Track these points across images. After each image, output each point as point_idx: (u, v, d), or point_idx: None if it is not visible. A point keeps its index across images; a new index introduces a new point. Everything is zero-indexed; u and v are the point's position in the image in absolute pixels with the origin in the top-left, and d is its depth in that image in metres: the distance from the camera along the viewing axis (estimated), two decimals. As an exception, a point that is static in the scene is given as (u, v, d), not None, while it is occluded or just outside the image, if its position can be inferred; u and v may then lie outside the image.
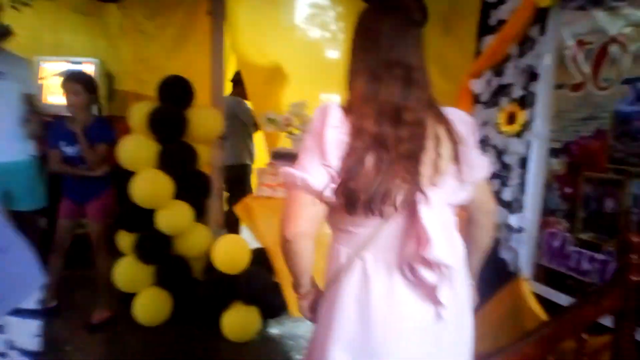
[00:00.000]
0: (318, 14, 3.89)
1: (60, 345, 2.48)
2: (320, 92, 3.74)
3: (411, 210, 1.06)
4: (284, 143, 3.32)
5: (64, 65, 4.02)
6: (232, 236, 2.75)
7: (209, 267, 2.68)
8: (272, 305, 2.66)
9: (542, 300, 2.03)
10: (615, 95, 1.72)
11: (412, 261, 1.05)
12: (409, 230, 1.07)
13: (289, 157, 3.03)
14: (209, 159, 2.94)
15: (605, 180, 1.76)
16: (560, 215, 1.96)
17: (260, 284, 2.58)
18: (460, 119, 1.17)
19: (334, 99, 3.73)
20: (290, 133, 3.15)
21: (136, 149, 2.65)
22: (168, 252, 2.73)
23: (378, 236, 1.09)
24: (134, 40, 4.55)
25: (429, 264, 1.04)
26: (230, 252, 2.60)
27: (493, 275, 2.17)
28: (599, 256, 1.77)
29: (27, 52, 4.19)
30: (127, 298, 2.71)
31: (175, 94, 2.72)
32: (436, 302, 1.07)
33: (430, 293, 1.07)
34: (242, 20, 3.69)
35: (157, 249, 2.67)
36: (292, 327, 2.79)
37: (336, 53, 3.87)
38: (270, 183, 2.71)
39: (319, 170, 1.03)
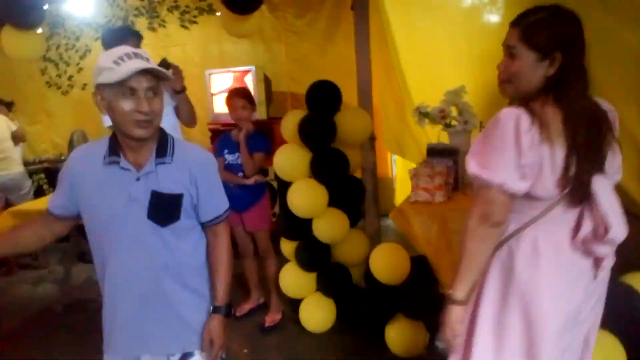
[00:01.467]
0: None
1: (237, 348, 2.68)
2: (480, 70, 3.30)
3: (587, 195, 1.23)
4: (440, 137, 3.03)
5: (229, 76, 4.35)
6: (390, 244, 2.62)
7: (369, 276, 2.60)
8: (437, 318, 2.46)
9: None
10: None
11: (589, 239, 1.24)
12: (587, 213, 1.25)
13: (447, 153, 2.75)
14: (360, 163, 2.83)
15: None
16: None
17: (423, 297, 2.40)
18: (609, 108, 1.31)
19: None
20: (448, 125, 2.84)
21: (290, 159, 2.69)
22: (327, 259, 2.73)
23: (548, 215, 1.26)
24: (286, 40, 4.72)
25: (605, 241, 1.23)
26: (389, 262, 2.48)
27: None
28: None
29: (197, 65, 4.70)
30: (295, 303, 2.80)
31: (323, 100, 2.67)
32: (599, 267, 1.28)
33: (598, 261, 1.28)
34: (388, 6, 3.48)
35: (316, 256, 2.69)
36: (461, 342, 2.56)
37: (497, 18, 3.39)
38: (427, 186, 2.47)
39: (515, 174, 1.20)
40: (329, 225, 2.63)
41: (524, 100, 1.27)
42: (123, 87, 1.22)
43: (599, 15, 2.35)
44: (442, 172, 2.54)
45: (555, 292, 1.25)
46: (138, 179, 1.31)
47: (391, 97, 3.67)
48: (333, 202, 2.66)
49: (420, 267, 2.46)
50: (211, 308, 1.44)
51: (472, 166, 1.25)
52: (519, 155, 1.19)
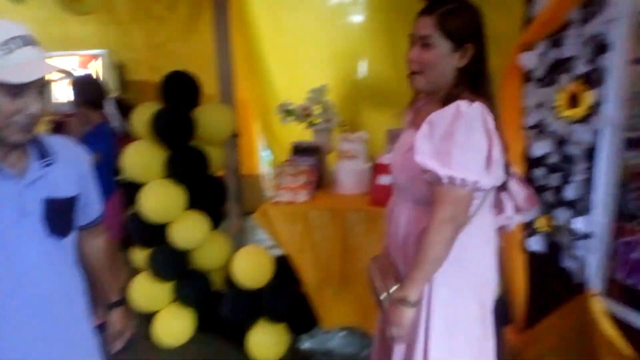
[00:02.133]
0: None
1: None
2: (346, 64, 3.36)
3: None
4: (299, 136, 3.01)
5: (73, 60, 3.82)
6: (252, 247, 2.51)
7: (231, 281, 2.47)
8: (301, 319, 2.43)
9: (618, 322, 1.69)
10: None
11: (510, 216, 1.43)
12: (504, 194, 1.39)
13: (311, 151, 2.73)
14: (222, 162, 2.67)
15: None
16: (641, 222, 1.59)
17: (285, 299, 2.35)
18: None
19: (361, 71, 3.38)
20: (311, 124, 2.83)
21: (142, 158, 2.42)
22: (185, 266, 2.52)
23: (487, 200, 1.33)
24: (144, 24, 4.30)
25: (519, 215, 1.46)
26: (251, 265, 2.37)
27: (554, 285, 1.85)
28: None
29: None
30: (148, 318, 2.54)
31: (179, 93, 2.44)
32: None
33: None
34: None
35: (173, 264, 2.47)
36: (325, 341, 2.57)
37: (358, 17, 3.49)
38: (290, 185, 2.42)
39: (484, 170, 1.19)
40: (188, 230, 2.43)
41: (435, 93, 1.29)
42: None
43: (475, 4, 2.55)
44: (306, 170, 2.51)
45: (494, 271, 1.39)
46: (26, 188, 1.07)
47: (258, 92, 3.57)
48: (192, 204, 2.46)
49: (285, 268, 2.41)
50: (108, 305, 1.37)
51: (436, 166, 1.17)
52: (490, 150, 1.18)
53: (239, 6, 3.30)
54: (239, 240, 2.81)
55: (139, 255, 2.55)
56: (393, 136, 2.74)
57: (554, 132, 1.93)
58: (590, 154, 1.80)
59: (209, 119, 2.49)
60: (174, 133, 2.39)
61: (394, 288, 1.29)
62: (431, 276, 1.25)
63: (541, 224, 2.01)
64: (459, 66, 1.24)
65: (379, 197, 2.26)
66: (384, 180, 2.26)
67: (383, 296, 1.32)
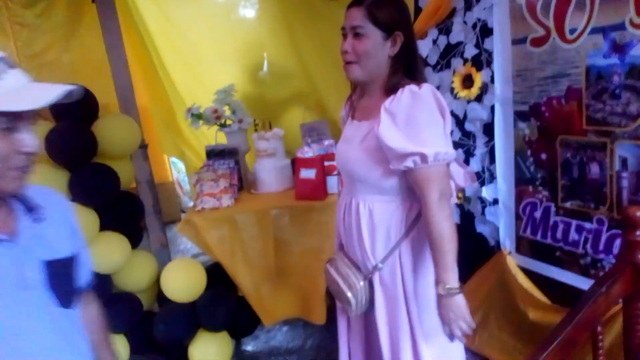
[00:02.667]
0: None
1: None
2: (248, 61, 3.32)
3: None
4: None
5: None
6: (181, 260, 2.42)
7: (162, 298, 2.36)
8: (241, 323, 2.41)
9: (530, 274, 1.91)
10: (586, 48, 1.53)
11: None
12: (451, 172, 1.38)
13: (227, 154, 2.68)
14: (133, 175, 2.52)
15: (586, 143, 1.60)
16: (538, 184, 1.81)
17: (223, 306, 2.30)
18: None
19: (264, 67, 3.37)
20: (223, 125, 2.77)
21: (39, 182, 2.19)
22: (109, 291, 2.36)
23: None
24: (15, 34, 3.87)
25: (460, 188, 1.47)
26: (182, 278, 2.28)
27: (473, 250, 2.03)
28: (588, 225, 1.64)
29: None
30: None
31: (75, 106, 2.24)
32: None
33: None
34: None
35: (94, 291, 2.29)
36: (268, 340, 2.57)
37: (251, 11, 3.47)
38: (212, 191, 2.36)
39: (449, 142, 1.27)
40: (104, 254, 2.26)
41: (371, 82, 1.32)
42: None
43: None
44: (226, 174, 2.46)
45: None
46: (22, 253, 0.85)
47: (160, 98, 3.41)
48: (105, 226, 2.29)
49: (217, 275, 2.36)
50: None
51: (417, 148, 1.18)
52: (445, 125, 1.24)
53: (125, 6, 3.11)
54: (164, 255, 2.69)
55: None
56: (307, 130, 2.79)
57: (452, 111, 2.11)
58: (487, 129, 2.00)
59: (112, 131, 2.33)
60: (73, 151, 2.20)
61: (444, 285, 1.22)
62: (456, 255, 1.23)
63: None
64: (391, 54, 1.28)
65: (304, 190, 2.30)
66: (305, 173, 2.29)
67: (350, 295, 1.33)
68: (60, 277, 0.91)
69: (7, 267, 0.82)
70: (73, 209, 1.06)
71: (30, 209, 0.91)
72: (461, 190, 2.16)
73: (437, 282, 1.23)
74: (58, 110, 2.24)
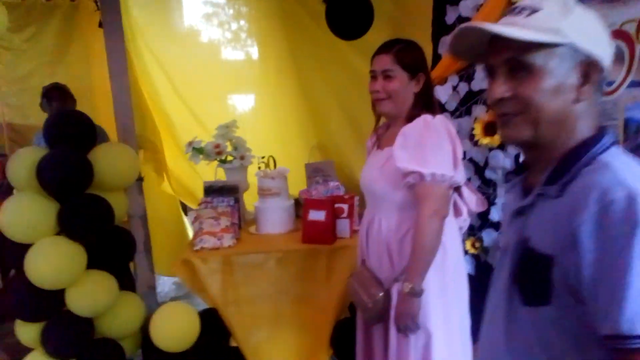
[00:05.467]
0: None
1: None
2: (228, 94, 3.28)
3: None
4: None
5: None
6: (172, 305, 2.22)
7: (148, 345, 2.13)
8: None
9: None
10: (625, 101, 1.52)
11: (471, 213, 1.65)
12: (456, 195, 1.59)
13: (226, 191, 2.55)
14: (126, 209, 2.34)
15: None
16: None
17: (216, 357, 2.10)
18: None
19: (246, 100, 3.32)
20: (223, 161, 2.65)
21: (27, 213, 1.99)
22: (90, 336, 2.12)
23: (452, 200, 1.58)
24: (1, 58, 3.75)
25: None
26: (173, 325, 2.08)
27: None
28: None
29: None
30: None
31: (72, 132, 2.09)
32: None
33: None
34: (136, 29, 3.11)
35: (74, 336, 2.06)
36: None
37: (241, 54, 3.46)
38: (213, 229, 2.21)
39: (456, 170, 1.44)
40: (89, 294, 2.05)
41: (397, 116, 1.54)
42: None
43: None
44: (227, 212, 2.32)
45: (464, 267, 1.65)
46: None
47: (153, 129, 3.28)
48: (94, 263, 2.09)
49: (211, 323, 2.16)
50: None
51: (418, 167, 1.38)
52: (455, 151, 1.44)
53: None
54: (151, 298, 2.47)
55: (27, 331, 2.08)
56: (312, 170, 2.70)
57: (472, 158, 2.07)
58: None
59: (110, 161, 2.17)
60: (67, 181, 2.02)
61: (405, 284, 1.42)
62: (429, 266, 1.41)
63: (468, 246, 2.11)
64: (415, 91, 1.53)
65: (312, 233, 2.18)
66: (314, 215, 2.18)
67: (371, 304, 1.50)
68: None
69: None
70: None
71: None
72: (479, 240, 2.09)
73: (404, 280, 1.42)
74: (53, 136, 2.09)
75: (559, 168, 0.74)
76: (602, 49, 0.74)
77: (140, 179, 2.42)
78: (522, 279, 0.78)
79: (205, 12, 3.41)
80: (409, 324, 1.43)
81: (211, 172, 2.68)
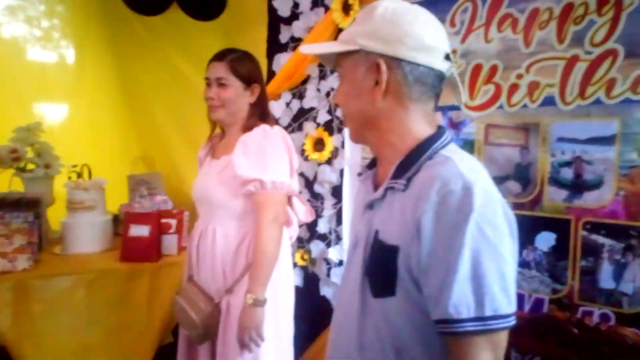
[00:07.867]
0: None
1: None
2: (33, 101, 2.82)
3: None
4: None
5: None
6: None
7: None
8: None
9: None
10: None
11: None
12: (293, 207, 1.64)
13: (25, 204, 2.13)
14: None
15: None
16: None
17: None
18: None
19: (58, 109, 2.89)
20: (22, 170, 2.23)
21: None
22: None
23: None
24: None
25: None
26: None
27: (316, 313, 1.98)
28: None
29: None
30: None
31: None
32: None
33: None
34: None
35: None
36: None
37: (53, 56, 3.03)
38: (4, 250, 1.81)
39: (292, 179, 1.50)
40: None
41: (231, 124, 1.56)
42: None
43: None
44: (23, 229, 1.94)
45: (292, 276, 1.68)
46: None
47: None
48: None
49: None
50: None
51: (258, 174, 1.40)
52: (291, 161, 1.50)
53: None
54: None
55: None
56: (136, 182, 2.46)
57: (303, 173, 2.14)
58: (336, 191, 2.07)
59: None
60: None
61: (248, 296, 1.38)
62: (270, 274, 1.41)
63: (297, 258, 2.16)
64: (250, 102, 1.55)
65: (132, 250, 1.96)
66: (136, 230, 1.97)
67: (197, 319, 1.44)
68: None
69: None
70: None
71: None
72: (307, 252, 2.15)
73: (247, 291, 1.39)
74: None
75: (405, 162, 0.78)
76: (398, 48, 0.76)
77: None
78: (372, 271, 0.78)
79: (9, 3, 2.90)
80: (253, 336, 1.39)
81: (5, 181, 2.23)
